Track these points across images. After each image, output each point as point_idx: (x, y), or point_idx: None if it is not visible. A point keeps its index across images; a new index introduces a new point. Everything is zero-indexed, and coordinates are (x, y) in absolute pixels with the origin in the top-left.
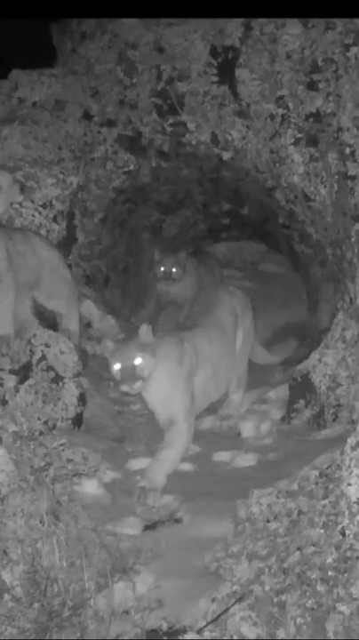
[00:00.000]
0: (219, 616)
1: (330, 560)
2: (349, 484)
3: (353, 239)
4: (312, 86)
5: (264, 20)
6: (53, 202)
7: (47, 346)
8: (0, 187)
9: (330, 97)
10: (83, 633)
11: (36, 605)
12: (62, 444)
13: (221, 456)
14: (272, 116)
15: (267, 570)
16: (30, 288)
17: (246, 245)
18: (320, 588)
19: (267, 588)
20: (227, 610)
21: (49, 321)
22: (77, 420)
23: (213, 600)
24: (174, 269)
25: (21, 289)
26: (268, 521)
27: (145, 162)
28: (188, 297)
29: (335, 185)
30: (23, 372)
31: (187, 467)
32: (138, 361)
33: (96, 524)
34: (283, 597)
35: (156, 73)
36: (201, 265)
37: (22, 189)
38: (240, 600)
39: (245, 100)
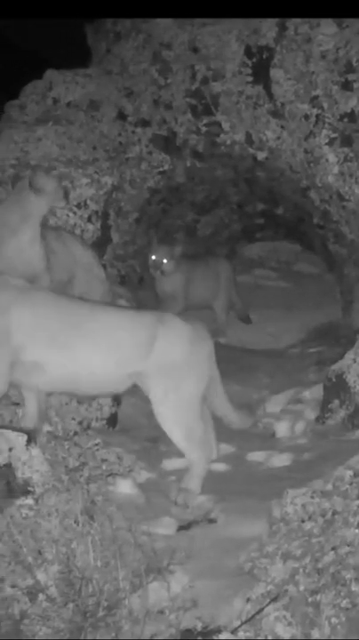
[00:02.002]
0: (253, 616)
1: None
2: None
3: None
4: (346, 86)
5: (298, 20)
6: (88, 202)
7: None
8: (42, 190)
9: None
10: (118, 633)
11: (71, 605)
12: (97, 444)
13: (256, 456)
14: (306, 116)
15: (301, 570)
16: (64, 287)
17: (281, 245)
18: (355, 587)
19: (301, 587)
20: (261, 610)
21: None
22: (112, 421)
23: (248, 600)
24: (165, 260)
25: (55, 288)
26: (303, 521)
27: (179, 162)
28: (179, 296)
29: None
30: None
31: (221, 467)
32: None
33: (130, 524)
34: (318, 597)
35: (191, 73)
36: (199, 268)
37: (66, 195)
38: (274, 600)
39: (280, 100)
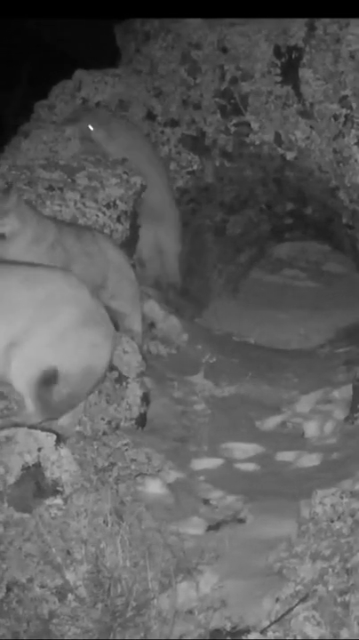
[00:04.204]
0: (282, 616)
1: None
2: None
3: None
4: None
5: (327, 20)
6: (117, 202)
7: None
8: None
9: None
10: (147, 633)
11: (100, 605)
12: (126, 444)
13: (285, 456)
14: (335, 116)
15: (330, 570)
16: (97, 289)
17: (310, 245)
18: None
19: (330, 587)
20: (290, 610)
21: (113, 321)
22: (141, 420)
23: (277, 600)
24: (91, 127)
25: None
26: (332, 521)
27: (208, 162)
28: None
29: None
30: None
31: (250, 467)
32: None
33: (159, 524)
34: (347, 597)
35: (220, 73)
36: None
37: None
38: (303, 600)
39: (309, 100)
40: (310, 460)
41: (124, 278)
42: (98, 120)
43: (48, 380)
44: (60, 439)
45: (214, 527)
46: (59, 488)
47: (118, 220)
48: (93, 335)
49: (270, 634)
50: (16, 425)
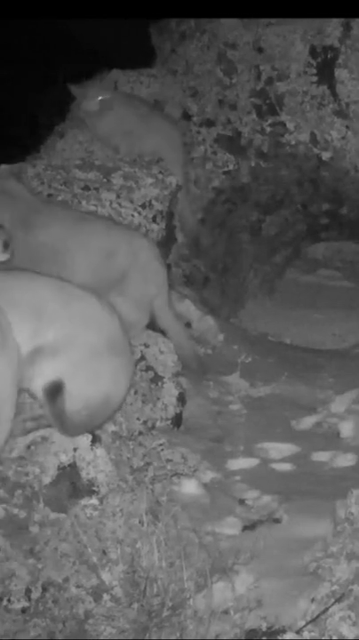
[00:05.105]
0: (318, 616)
1: None
2: None
3: None
4: None
5: None
6: (152, 202)
7: (146, 346)
8: None
9: None
10: (183, 633)
11: (136, 605)
12: (161, 444)
13: (320, 456)
14: None
15: None
16: (114, 284)
17: (345, 245)
18: None
19: None
20: (326, 610)
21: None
22: (176, 420)
23: (312, 600)
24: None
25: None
26: None
27: (244, 162)
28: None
29: None
30: None
31: (286, 467)
32: None
33: (195, 524)
34: None
35: (256, 73)
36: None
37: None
38: (339, 600)
39: (344, 99)
40: (346, 460)
41: (147, 281)
42: (95, 94)
43: (54, 392)
44: (96, 439)
45: (250, 527)
46: (94, 488)
47: (154, 219)
48: (115, 364)
49: (306, 634)
50: (50, 426)
